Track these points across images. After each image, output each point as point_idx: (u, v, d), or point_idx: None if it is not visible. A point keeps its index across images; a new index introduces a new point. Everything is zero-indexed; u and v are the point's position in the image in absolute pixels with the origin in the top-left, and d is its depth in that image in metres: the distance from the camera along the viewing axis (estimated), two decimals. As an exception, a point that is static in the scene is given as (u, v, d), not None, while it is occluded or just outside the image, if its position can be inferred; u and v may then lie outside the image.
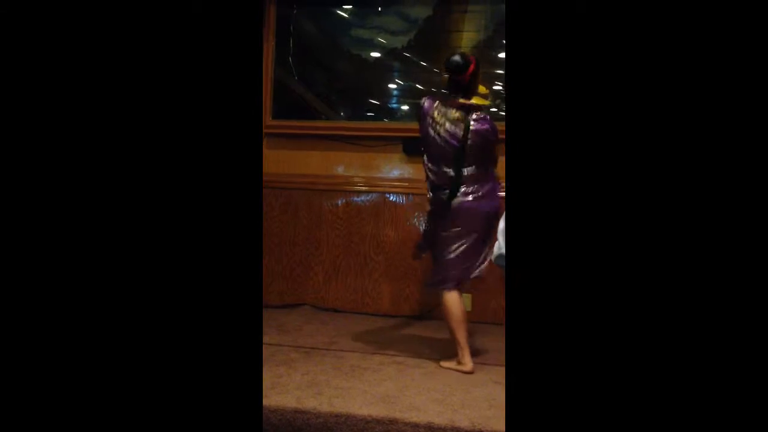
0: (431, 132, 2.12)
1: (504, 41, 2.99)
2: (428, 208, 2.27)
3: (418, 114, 2.20)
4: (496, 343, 2.48)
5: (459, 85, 2.13)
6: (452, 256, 2.10)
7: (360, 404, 1.69)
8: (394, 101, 3.24)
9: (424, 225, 2.31)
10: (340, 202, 3.16)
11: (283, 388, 1.80)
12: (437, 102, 2.15)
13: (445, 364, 2.13)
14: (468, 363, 2.07)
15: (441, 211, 2.13)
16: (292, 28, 3.17)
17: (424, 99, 2.20)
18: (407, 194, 3.08)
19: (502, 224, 1.14)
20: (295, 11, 3.16)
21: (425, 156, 2.17)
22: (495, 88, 3.03)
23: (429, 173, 2.15)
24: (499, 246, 1.13)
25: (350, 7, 3.16)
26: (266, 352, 2.24)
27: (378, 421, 1.60)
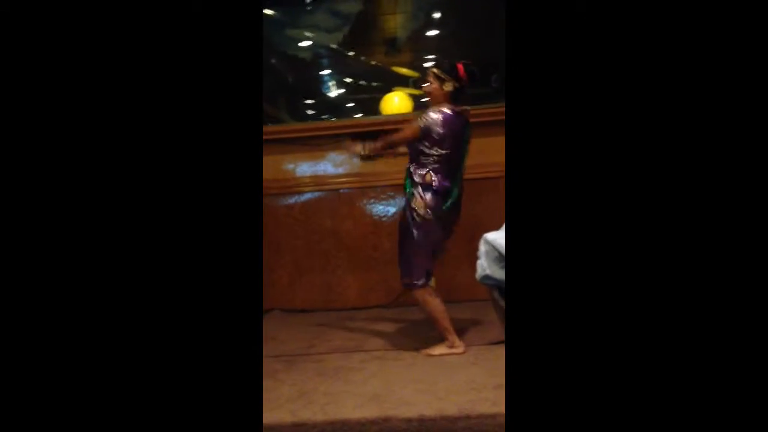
0: (452, 145, 2.12)
1: (431, 24, 3.05)
2: (424, 218, 2.16)
3: (437, 129, 2.09)
4: (465, 322, 2.61)
5: (462, 93, 2.16)
6: (420, 248, 2.19)
7: (352, 407, 1.76)
8: (336, 98, 3.26)
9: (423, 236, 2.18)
10: (295, 203, 3.18)
11: (275, 403, 1.84)
12: (453, 113, 2.12)
13: (435, 351, 2.22)
14: (459, 344, 2.21)
15: (443, 222, 2.20)
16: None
17: (438, 114, 2.10)
18: (361, 188, 3.14)
19: (482, 247, 1.21)
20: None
21: (438, 169, 2.13)
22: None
23: (440, 185, 2.13)
24: (482, 266, 1.21)
25: (279, 7, 3.13)
26: (247, 366, 2.27)
27: (373, 422, 1.68)
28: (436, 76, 2.14)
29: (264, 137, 3.14)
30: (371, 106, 2.94)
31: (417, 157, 2.16)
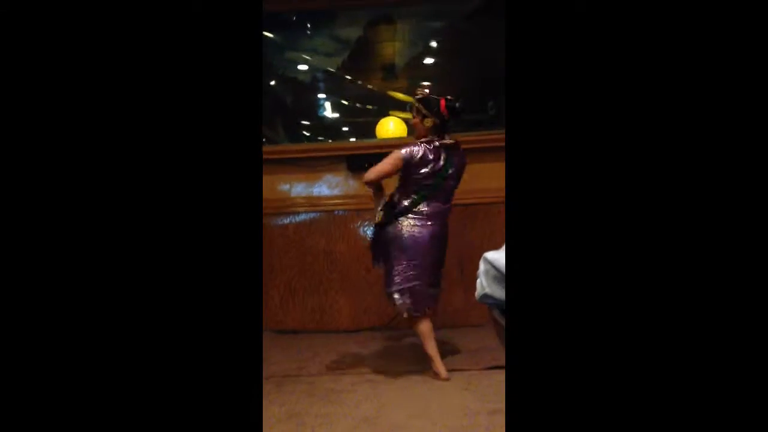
0: (428, 175, 2.21)
1: (429, 52, 3.12)
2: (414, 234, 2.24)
3: (413, 160, 2.18)
4: (457, 348, 2.60)
5: (445, 126, 2.24)
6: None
7: (345, 430, 1.75)
8: (332, 120, 3.30)
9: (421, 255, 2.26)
10: (289, 224, 3.18)
11: (265, 424, 1.82)
12: (429, 146, 2.20)
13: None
14: (443, 371, 2.20)
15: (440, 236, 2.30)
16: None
17: (412, 148, 2.19)
18: (356, 210, 3.15)
19: (482, 266, 1.22)
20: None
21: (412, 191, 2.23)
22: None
23: (421, 211, 2.24)
24: (482, 285, 1.21)
25: (280, 31, 3.19)
26: (237, 386, 2.24)
27: (365, 445, 1.67)
28: (418, 111, 2.24)
29: (282, 156, 3.17)
30: (367, 130, 2.97)
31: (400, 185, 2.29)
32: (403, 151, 2.19)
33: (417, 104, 2.24)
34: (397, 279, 2.23)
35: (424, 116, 2.22)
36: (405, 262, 2.23)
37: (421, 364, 2.32)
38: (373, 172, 2.23)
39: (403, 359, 2.48)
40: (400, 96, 3.24)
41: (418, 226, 2.23)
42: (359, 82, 3.19)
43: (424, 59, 3.25)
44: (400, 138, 3.12)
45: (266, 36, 3.19)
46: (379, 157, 3.03)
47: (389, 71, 3.21)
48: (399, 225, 2.23)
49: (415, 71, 3.17)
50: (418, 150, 2.18)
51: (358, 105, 3.19)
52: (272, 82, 3.25)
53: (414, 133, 2.31)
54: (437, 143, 2.21)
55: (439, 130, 2.22)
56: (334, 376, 2.32)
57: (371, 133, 3.09)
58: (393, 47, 3.21)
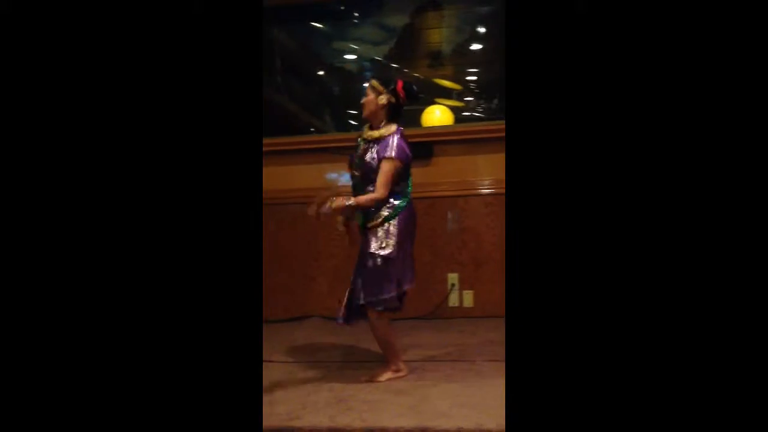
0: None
1: (476, 37, 3.08)
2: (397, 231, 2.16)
3: (406, 152, 2.13)
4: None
5: (399, 111, 2.17)
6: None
7: (390, 416, 1.78)
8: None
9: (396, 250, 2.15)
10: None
11: (314, 408, 1.88)
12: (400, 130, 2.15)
13: (382, 377, 2.16)
14: (403, 368, 2.20)
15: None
16: (276, 46, 3.20)
17: (397, 137, 2.12)
18: (401, 199, 3.15)
19: None
20: (277, 30, 3.20)
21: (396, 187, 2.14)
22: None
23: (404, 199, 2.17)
24: None
25: (328, 21, 3.21)
26: (287, 370, 2.32)
27: (410, 432, 1.70)
28: (373, 88, 2.14)
29: (307, 146, 3.22)
30: (413, 118, 2.96)
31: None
32: (394, 154, 2.07)
33: (373, 82, 2.15)
34: (409, 274, 2.20)
35: (379, 93, 2.11)
36: (410, 254, 2.18)
37: (465, 353, 2.32)
38: (384, 186, 2.09)
39: (449, 348, 2.49)
40: (446, 83, 3.21)
41: (413, 215, 2.20)
42: (405, 70, 3.18)
43: (470, 45, 3.20)
44: (446, 126, 3.11)
45: (314, 26, 3.22)
46: (425, 146, 3.04)
47: (435, 58, 3.18)
48: (399, 220, 2.14)
49: (461, 58, 3.14)
50: (402, 142, 2.10)
51: (401, 110, 3.22)
52: (320, 72, 3.29)
53: (364, 112, 2.17)
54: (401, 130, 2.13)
55: (391, 113, 2.13)
56: (380, 363, 2.35)
57: (417, 122, 3.08)
58: (440, 34, 3.18)
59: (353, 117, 3.30)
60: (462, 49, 3.16)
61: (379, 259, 2.12)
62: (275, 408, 1.87)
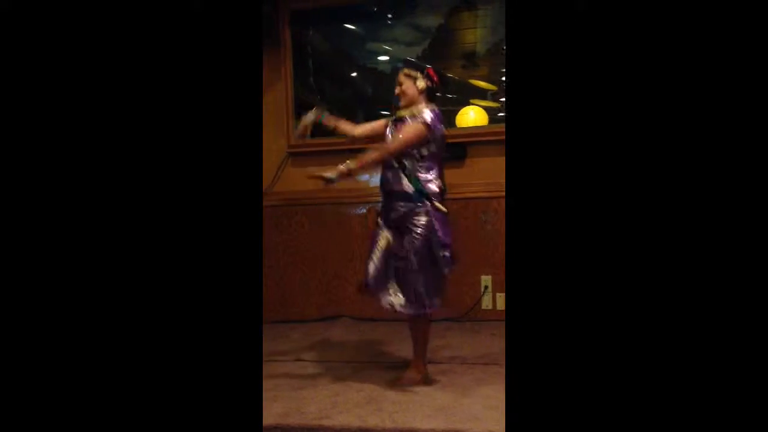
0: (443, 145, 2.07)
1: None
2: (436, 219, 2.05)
3: (438, 126, 2.02)
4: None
5: (435, 95, 2.11)
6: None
7: (420, 418, 1.76)
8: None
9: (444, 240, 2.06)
10: (368, 212, 3.23)
11: (343, 407, 1.87)
12: (437, 110, 2.06)
13: (406, 378, 2.09)
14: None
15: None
16: (309, 48, 3.24)
17: (431, 112, 2.00)
18: (434, 200, 3.13)
19: None
20: (310, 32, 3.23)
21: (436, 169, 2.06)
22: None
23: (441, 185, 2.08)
24: None
25: (361, 23, 3.22)
26: (317, 369, 2.32)
27: (441, 434, 1.67)
28: (407, 75, 2.04)
29: (340, 147, 3.23)
30: (447, 119, 2.94)
31: (414, 166, 2.01)
32: (428, 116, 1.95)
33: (404, 70, 2.05)
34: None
35: (415, 78, 2.02)
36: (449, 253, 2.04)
37: (497, 356, 2.29)
38: (398, 142, 1.98)
39: (480, 350, 2.46)
40: (481, 84, 3.18)
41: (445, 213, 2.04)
42: (439, 71, 3.16)
43: (505, 45, 3.16)
44: (481, 127, 3.07)
45: (348, 28, 3.24)
46: (459, 147, 3.02)
47: (470, 59, 3.15)
48: (433, 213, 2.01)
49: (496, 58, 3.10)
50: (436, 118, 1.98)
51: (438, 94, 3.19)
52: (353, 74, 3.30)
53: (403, 100, 2.06)
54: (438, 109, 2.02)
55: (428, 98, 2.05)
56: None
57: (451, 122, 3.06)
58: (474, 34, 3.15)
59: (386, 118, 3.30)
60: (497, 49, 3.12)
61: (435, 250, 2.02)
62: (305, 406, 1.87)
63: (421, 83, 2.03)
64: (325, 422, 1.75)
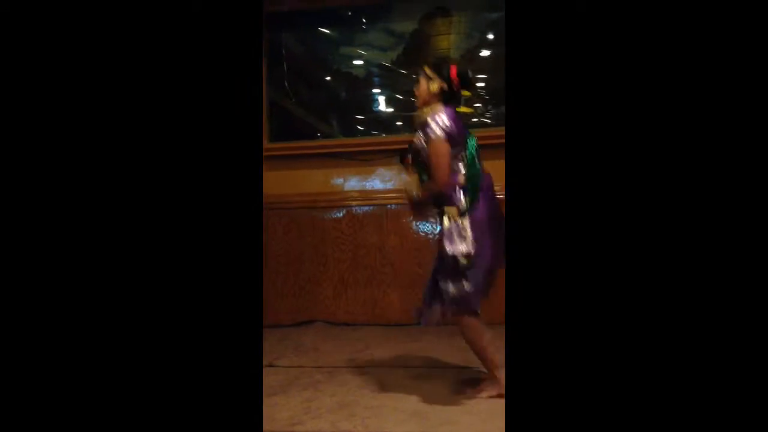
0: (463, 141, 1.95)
1: (485, 44, 3.07)
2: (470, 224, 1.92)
3: (452, 127, 1.89)
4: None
5: (453, 97, 1.99)
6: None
7: (393, 423, 1.75)
8: (386, 114, 3.30)
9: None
10: (342, 217, 3.22)
11: (316, 413, 1.85)
12: (450, 108, 1.95)
13: (482, 393, 1.96)
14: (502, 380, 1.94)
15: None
16: (284, 51, 3.22)
17: (441, 114, 1.89)
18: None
19: None
20: (284, 35, 3.21)
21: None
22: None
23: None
24: None
25: (336, 27, 3.22)
26: (290, 375, 2.30)
27: (414, 439, 1.67)
28: (425, 75, 1.96)
29: (314, 151, 3.22)
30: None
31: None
32: (438, 132, 1.85)
33: (426, 67, 1.97)
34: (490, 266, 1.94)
35: (430, 79, 1.94)
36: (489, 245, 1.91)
37: (471, 361, 2.29)
38: (440, 172, 1.87)
39: (453, 355, 2.46)
40: (454, 90, 3.20)
41: (492, 205, 1.97)
42: (414, 76, 3.16)
43: (480, 51, 3.19)
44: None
45: (322, 32, 3.23)
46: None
47: (444, 65, 3.18)
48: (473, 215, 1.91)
49: (470, 64, 3.13)
50: (447, 119, 1.87)
51: (412, 99, 3.21)
52: (327, 78, 3.29)
53: (418, 102, 2.00)
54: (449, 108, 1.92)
55: (445, 101, 1.94)
56: (385, 368, 2.33)
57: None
58: (448, 40, 3.18)
59: (360, 122, 3.30)
60: (471, 56, 3.15)
61: (451, 259, 1.90)
62: (277, 413, 1.85)
63: (435, 86, 1.94)
64: (298, 428, 1.73)
